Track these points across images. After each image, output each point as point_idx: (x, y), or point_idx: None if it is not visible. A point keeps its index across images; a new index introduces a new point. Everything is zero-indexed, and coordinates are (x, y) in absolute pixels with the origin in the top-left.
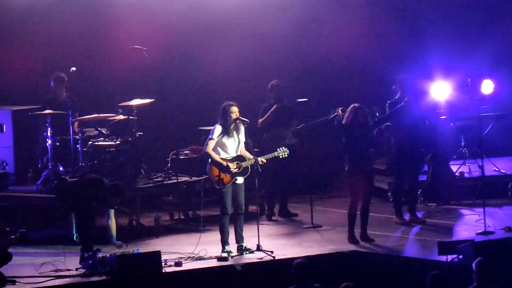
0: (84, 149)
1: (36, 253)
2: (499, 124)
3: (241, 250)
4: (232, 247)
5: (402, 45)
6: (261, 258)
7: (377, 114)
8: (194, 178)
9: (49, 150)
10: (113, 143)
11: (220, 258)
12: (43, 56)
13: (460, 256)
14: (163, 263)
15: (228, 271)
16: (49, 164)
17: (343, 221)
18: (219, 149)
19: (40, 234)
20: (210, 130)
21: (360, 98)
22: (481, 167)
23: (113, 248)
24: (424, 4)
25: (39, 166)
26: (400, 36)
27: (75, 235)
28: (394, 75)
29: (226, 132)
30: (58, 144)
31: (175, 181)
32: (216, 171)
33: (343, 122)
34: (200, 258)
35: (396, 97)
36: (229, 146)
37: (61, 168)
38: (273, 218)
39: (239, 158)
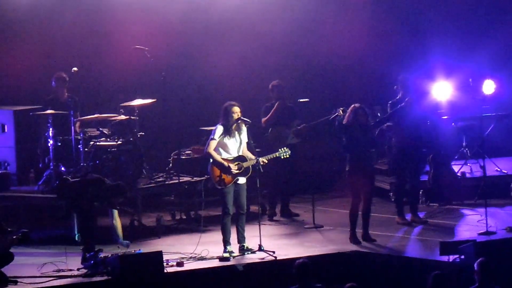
0: (86, 149)
1: (37, 253)
2: (501, 124)
3: (243, 250)
4: (234, 247)
5: (403, 45)
6: (262, 258)
7: (379, 114)
8: (195, 178)
9: (50, 150)
10: (114, 143)
11: (221, 258)
12: (45, 56)
13: (462, 256)
14: (164, 263)
15: (230, 271)
16: (51, 164)
17: (345, 221)
18: (220, 149)
19: (42, 234)
20: (211, 130)
21: (361, 98)
22: (483, 167)
23: (115, 248)
24: (425, 4)
25: (41, 166)
26: (401, 36)
27: (76, 235)
28: (395, 75)
29: (227, 132)
30: (59, 144)
31: (177, 181)
32: (217, 171)
33: (344, 122)
34: (202, 258)
35: (398, 97)
36: (230, 146)
37: (62, 168)
38: (275, 218)
39: (240, 159)
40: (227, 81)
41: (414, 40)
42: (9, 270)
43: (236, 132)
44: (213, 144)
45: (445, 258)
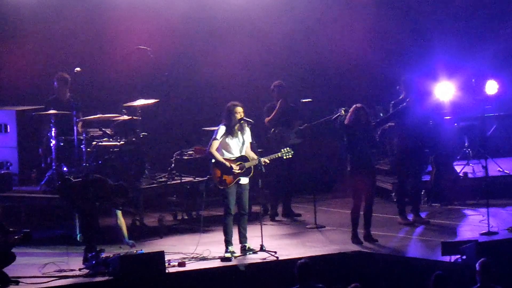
0: (88, 149)
1: (39, 253)
2: (503, 125)
3: (245, 250)
4: (236, 247)
5: (406, 45)
6: (264, 259)
7: (381, 114)
8: (197, 179)
9: (53, 150)
10: (117, 143)
11: (223, 259)
12: (47, 56)
13: (464, 257)
14: (166, 263)
15: (232, 272)
16: (53, 164)
17: (347, 222)
18: (222, 149)
19: (44, 234)
20: (214, 130)
21: (364, 98)
22: (485, 168)
23: (117, 248)
24: (428, 4)
25: (43, 166)
26: (404, 36)
27: (78, 235)
28: (398, 75)
29: (230, 132)
30: (62, 144)
31: (179, 181)
32: (218, 171)
33: (345, 122)
34: (204, 259)
35: (400, 97)
36: (232, 146)
37: (65, 168)
38: (277, 218)
39: (242, 159)
40: (230, 81)
41: (416, 40)
42: (11, 270)
43: (239, 132)
44: (215, 144)
45: (446, 258)
